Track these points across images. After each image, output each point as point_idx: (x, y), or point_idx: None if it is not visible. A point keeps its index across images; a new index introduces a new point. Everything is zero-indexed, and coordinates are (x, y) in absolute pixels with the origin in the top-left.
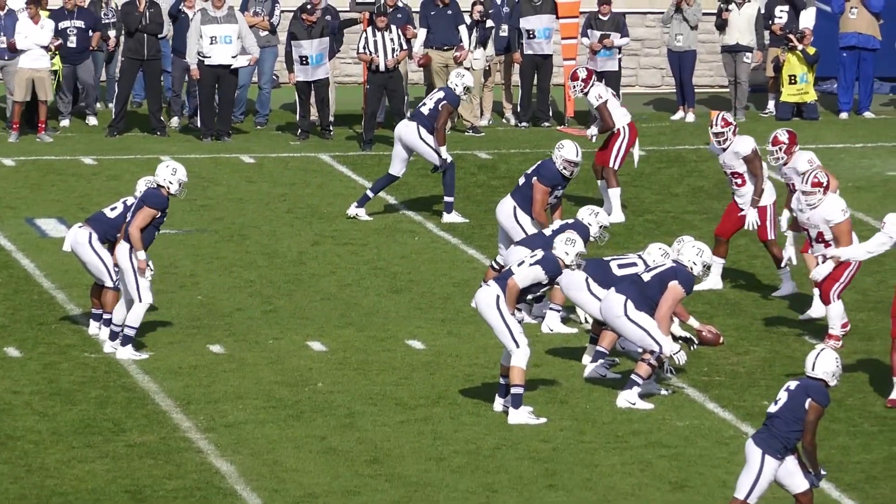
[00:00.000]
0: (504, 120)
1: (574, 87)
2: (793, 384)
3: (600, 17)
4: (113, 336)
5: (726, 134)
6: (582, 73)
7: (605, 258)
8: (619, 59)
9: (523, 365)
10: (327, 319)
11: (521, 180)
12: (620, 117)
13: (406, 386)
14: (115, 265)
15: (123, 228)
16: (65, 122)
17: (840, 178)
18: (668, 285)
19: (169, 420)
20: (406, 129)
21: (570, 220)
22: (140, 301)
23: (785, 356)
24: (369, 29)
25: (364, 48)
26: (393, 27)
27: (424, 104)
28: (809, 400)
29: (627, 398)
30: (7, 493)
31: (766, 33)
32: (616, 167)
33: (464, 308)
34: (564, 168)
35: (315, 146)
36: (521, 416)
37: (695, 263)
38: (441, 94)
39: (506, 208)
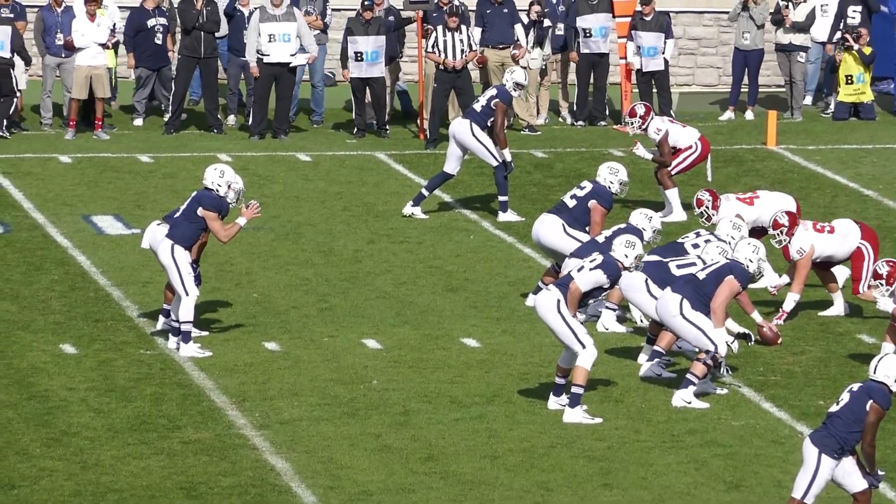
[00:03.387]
0: (560, 119)
1: (632, 123)
2: (855, 386)
3: (644, 17)
4: (175, 332)
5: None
6: (640, 110)
7: (664, 259)
8: (666, 60)
9: (588, 366)
10: (382, 317)
11: (571, 202)
12: (688, 137)
13: (461, 384)
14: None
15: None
16: (138, 122)
17: None
18: (723, 280)
19: (224, 417)
20: (459, 127)
21: (623, 225)
22: (187, 295)
23: (840, 356)
24: (440, 28)
25: (433, 47)
26: (463, 27)
27: (478, 101)
28: (871, 402)
29: (683, 397)
30: (62, 489)
31: (838, 33)
32: (673, 172)
33: (519, 307)
34: (620, 191)
35: (371, 144)
36: (577, 415)
37: (751, 261)
38: (493, 92)
39: (552, 227)
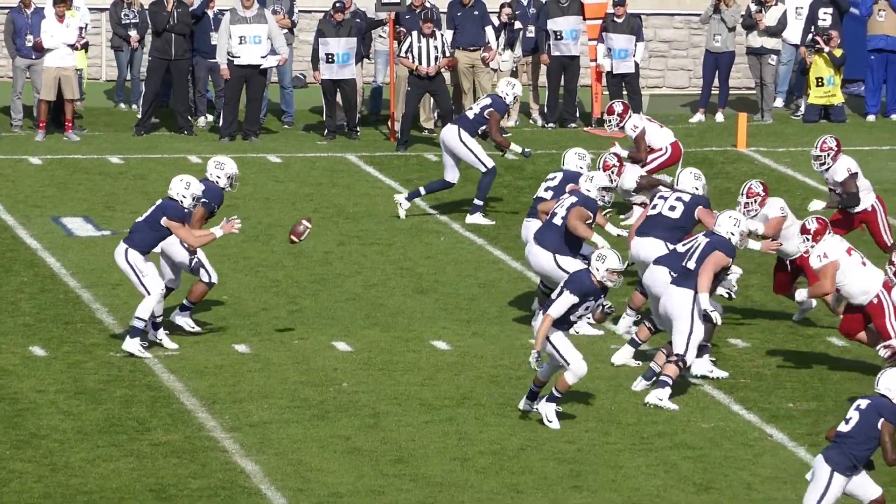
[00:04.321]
0: (531, 121)
1: (610, 120)
2: (863, 403)
3: (615, 19)
4: (155, 326)
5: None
6: (618, 108)
7: (671, 245)
8: (636, 63)
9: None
10: (353, 320)
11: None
12: (662, 139)
13: (431, 386)
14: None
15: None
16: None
17: (868, 180)
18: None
19: (194, 419)
20: (448, 133)
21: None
22: (149, 294)
23: (810, 359)
24: (414, 34)
25: (407, 52)
26: (438, 32)
27: (471, 109)
28: (882, 420)
29: (658, 396)
30: (32, 491)
31: (808, 36)
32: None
33: (489, 309)
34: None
35: (342, 146)
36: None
37: (732, 234)
38: (488, 101)
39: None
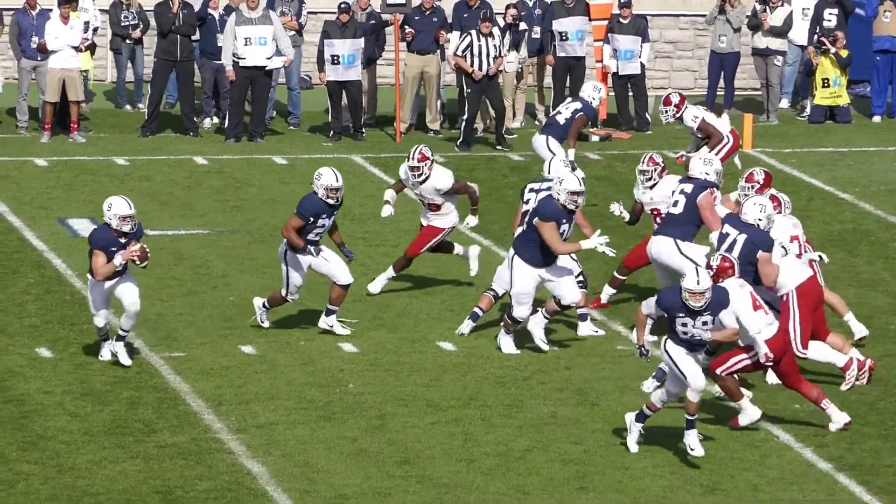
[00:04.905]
0: (536, 122)
1: (666, 111)
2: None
3: (621, 20)
4: (118, 338)
5: (422, 168)
6: (674, 99)
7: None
8: (642, 63)
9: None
10: (359, 321)
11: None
12: (722, 127)
13: (437, 387)
14: None
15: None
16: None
17: (872, 181)
18: (758, 257)
19: (200, 421)
20: (537, 143)
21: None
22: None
23: (813, 360)
24: (474, 33)
25: (465, 52)
26: (495, 31)
27: (560, 113)
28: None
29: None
30: (38, 493)
31: (814, 37)
32: None
33: (494, 310)
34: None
35: (348, 147)
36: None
37: (760, 220)
38: (578, 105)
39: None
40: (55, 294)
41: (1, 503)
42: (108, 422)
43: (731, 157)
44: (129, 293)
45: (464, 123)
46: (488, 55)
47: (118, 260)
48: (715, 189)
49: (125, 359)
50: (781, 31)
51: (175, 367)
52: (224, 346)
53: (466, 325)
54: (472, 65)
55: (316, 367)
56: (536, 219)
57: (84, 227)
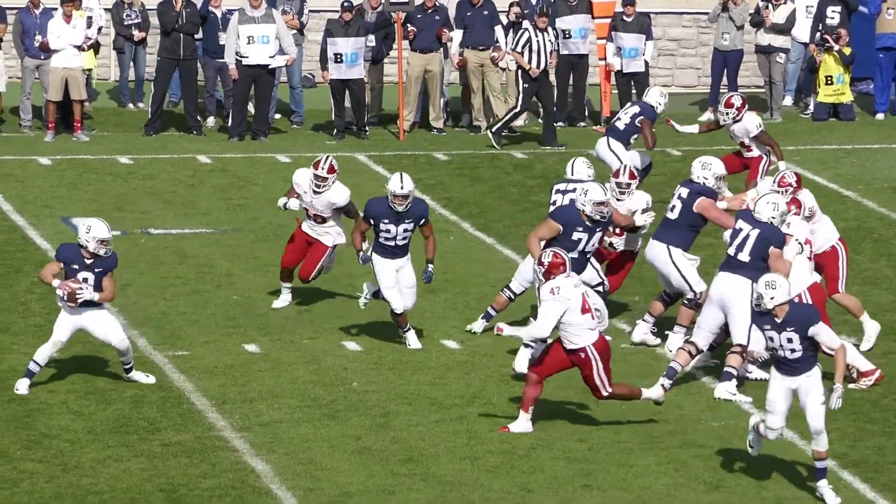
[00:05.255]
0: (540, 120)
1: (727, 114)
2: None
3: (625, 18)
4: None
5: (329, 180)
6: (736, 101)
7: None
8: (646, 61)
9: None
10: (363, 319)
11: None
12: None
13: (441, 386)
14: None
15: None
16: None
17: (876, 178)
18: (769, 252)
19: (204, 419)
20: (600, 147)
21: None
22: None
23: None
24: (531, 28)
25: (524, 48)
26: (550, 29)
27: (619, 119)
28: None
29: (728, 389)
30: (42, 492)
31: (817, 34)
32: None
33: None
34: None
35: (351, 146)
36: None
37: (773, 218)
38: (637, 109)
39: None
40: None
41: (5, 501)
42: (113, 420)
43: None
44: (112, 333)
45: (510, 115)
46: (544, 50)
47: (56, 284)
48: (713, 195)
49: (148, 379)
50: (784, 29)
51: (179, 365)
52: (228, 345)
53: (479, 325)
54: (529, 61)
55: (320, 365)
56: (549, 217)
57: None
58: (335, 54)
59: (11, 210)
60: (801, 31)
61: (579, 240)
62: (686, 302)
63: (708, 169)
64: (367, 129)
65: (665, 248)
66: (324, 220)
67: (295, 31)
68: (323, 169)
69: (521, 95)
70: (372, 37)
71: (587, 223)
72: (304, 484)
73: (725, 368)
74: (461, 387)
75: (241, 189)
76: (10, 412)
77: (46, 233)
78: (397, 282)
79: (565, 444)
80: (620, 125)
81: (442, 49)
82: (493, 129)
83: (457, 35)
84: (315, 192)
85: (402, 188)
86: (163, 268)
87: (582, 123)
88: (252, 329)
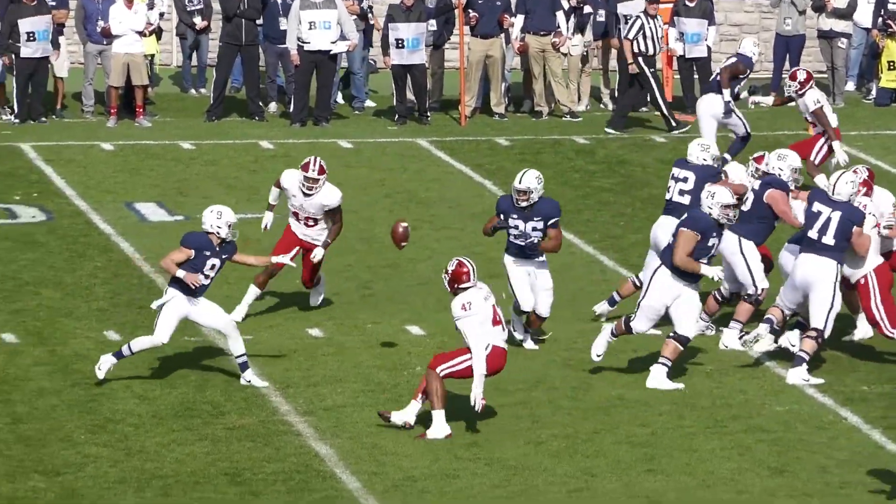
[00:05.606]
0: (601, 105)
1: (790, 86)
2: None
3: (687, 3)
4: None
5: (321, 181)
6: (801, 75)
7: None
8: (709, 46)
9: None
10: (425, 304)
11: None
12: (833, 120)
13: (504, 370)
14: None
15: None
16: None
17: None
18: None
19: (268, 403)
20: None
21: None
22: (153, 335)
23: (886, 341)
24: (643, 15)
25: (637, 35)
26: (660, 17)
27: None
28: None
29: (800, 375)
30: (107, 476)
31: (879, 19)
32: (817, 162)
33: (561, 293)
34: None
35: (413, 131)
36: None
37: (851, 195)
38: (733, 60)
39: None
40: (122, 278)
41: (70, 486)
42: (177, 404)
43: (829, 157)
44: (217, 318)
45: (661, 104)
46: (656, 36)
47: (182, 274)
48: (786, 187)
49: (260, 382)
50: (846, 14)
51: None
52: (291, 329)
53: (602, 307)
54: (643, 48)
55: (383, 349)
56: (683, 227)
57: (151, 211)
58: (396, 39)
59: (74, 195)
60: (864, 16)
61: (713, 245)
62: (746, 297)
63: (784, 160)
64: (428, 114)
65: (737, 238)
66: (315, 223)
67: (355, 17)
68: (314, 171)
69: (647, 81)
70: (433, 21)
71: (718, 227)
72: (368, 468)
73: (798, 353)
74: (524, 371)
75: None
76: (75, 396)
77: (109, 218)
78: (532, 284)
79: (628, 428)
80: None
81: (503, 34)
82: (669, 129)
83: (518, 20)
84: (306, 194)
85: (519, 182)
86: None
87: (644, 108)
88: (315, 314)
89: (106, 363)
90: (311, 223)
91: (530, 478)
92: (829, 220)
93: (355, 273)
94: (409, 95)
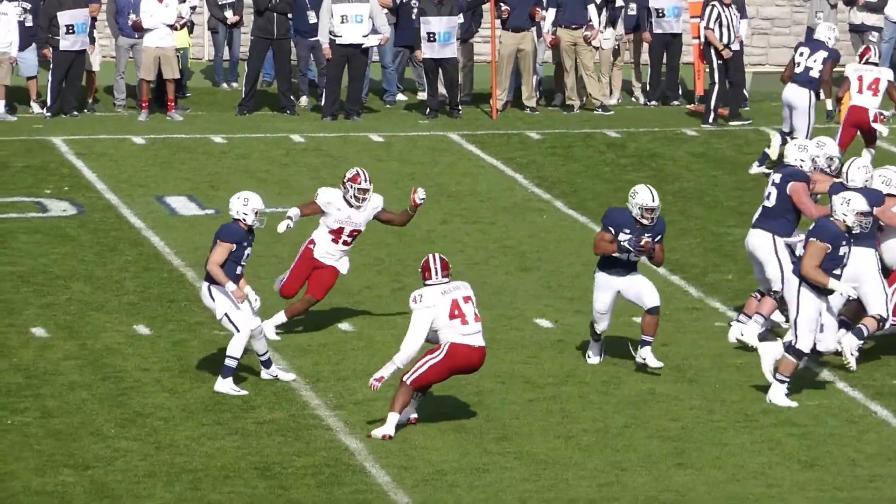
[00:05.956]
0: (633, 99)
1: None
2: None
3: None
4: (266, 364)
5: (370, 189)
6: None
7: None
8: (740, 40)
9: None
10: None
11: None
12: None
13: (534, 364)
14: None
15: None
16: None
17: None
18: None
19: (298, 397)
20: (793, 95)
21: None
22: (238, 332)
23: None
24: (717, 3)
25: (714, 24)
26: (733, 5)
27: (810, 68)
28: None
29: (852, 346)
30: (136, 469)
31: None
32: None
33: (592, 287)
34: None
35: (444, 125)
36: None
37: (867, 181)
38: (824, 54)
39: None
40: (153, 272)
41: (100, 480)
42: (206, 398)
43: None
44: (248, 319)
45: (714, 95)
46: (734, 25)
47: (230, 288)
48: (806, 179)
49: (286, 375)
50: (878, 7)
51: (273, 343)
52: (321, 323)
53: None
54: (720, 37)
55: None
56: (813, 238)
57: (182, 204)
58: (428, 33)
59: (105, 189)
60: (895, 10)
61: (844, 254)
62: (774, 293)
63: (804, 151)
64: (460, 108)
65: (770, 237)
66: (357, 235)
67: (386, 10)
68: (365, 181)
69: (716, 73)
70: (461, 14)
71: (848, 235)
72: (398, 462)
73: (859, 325)
74: (555, 366)
75: (335, 168)
76: (105, 390)
77: (140, 212)
78: (630, 288)
79: (659, 422)
80: (814, 73)
81: (535, 28)
82: (708, 120)
83: (550, 14)
84: (356, 206)
85: (652, 200)
86: (258, 246)
87: (676, 102)
88: (346, 307)
89: (223, 387)
90: (353, 236)
91: (560, 472)
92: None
93: (387, 266)
94: (441, 89)
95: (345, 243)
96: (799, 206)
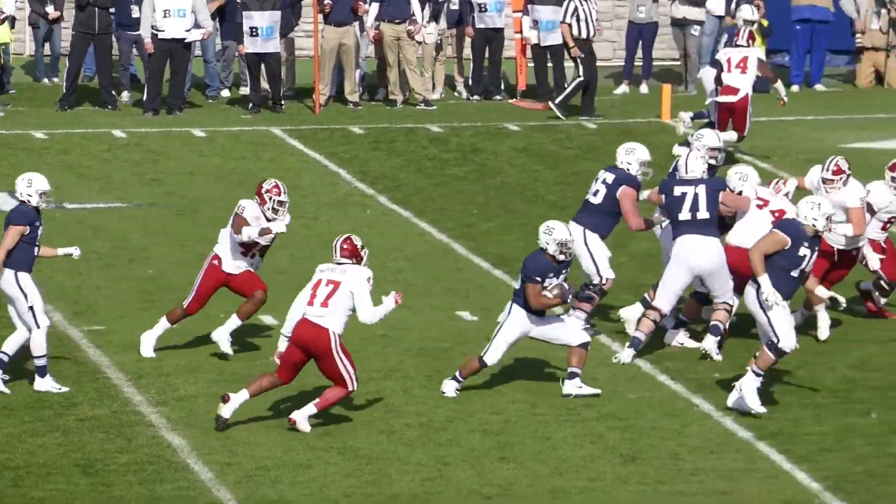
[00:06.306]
0: (456, 93)
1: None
2: None
3: None
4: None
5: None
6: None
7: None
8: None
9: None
10: (280, 293)
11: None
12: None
13: (358, 360)
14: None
15: None
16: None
17: (792, 150)
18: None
19: (120, 394)
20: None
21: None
22: (38, 327)
23: (737, 330)
24: None
25: (572, 17)
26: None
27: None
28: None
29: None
30: None
31: (732, 6)
32: None
33: (415, 282)
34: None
35: (267, 120)
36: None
37: (815, 219)
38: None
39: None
40: None
41: None
42: (28, 396)
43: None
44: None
45: (574, 85)
46: (591, 18)
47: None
48: (638, 186)
49: (61, 390)
50: (699, 1)
51: (94, 340)
52: (144, 319)
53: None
54: (579, 31)
55: (238, 338)
56: (776, 229)
57: (2, 200)
58: (251, 28)
59: None
60: (716, 4)
61: (804, 256)
62: (591, 287)
63: (632, 154)
64: (282, 102)
65: (581, 230)
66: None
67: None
68: (285, 192)
69: (581, 66)
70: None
71: (813, 239)
72: (221, 458)
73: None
74: (378, 360)
75: (156, 164)
76: None
77: None
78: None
79: (482, 416)
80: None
81: (358, 22)
82: (557, 101)
83: (373, 8)
84: (272, 219)
85: (570, 234)
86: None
87: (498, 97)
88: (167, 303)
89: (43, 386)
90: (263, 252)
91: (383, 467)
92: (696, 196)
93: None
94: (263, 84)
95: (252, 255)
96: (623, 212)
